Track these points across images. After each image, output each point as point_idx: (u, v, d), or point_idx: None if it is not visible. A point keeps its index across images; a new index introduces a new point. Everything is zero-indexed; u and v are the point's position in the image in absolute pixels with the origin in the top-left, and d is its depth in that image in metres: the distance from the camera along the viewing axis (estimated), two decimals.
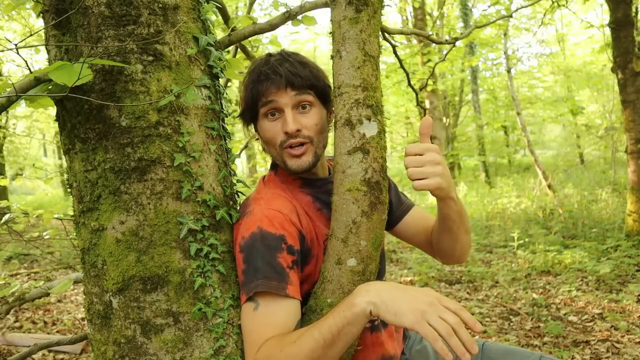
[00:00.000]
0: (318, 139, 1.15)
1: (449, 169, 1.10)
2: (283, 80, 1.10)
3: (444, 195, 1.05)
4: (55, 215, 2.02)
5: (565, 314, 3.25)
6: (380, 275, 1.22)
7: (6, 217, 1.85)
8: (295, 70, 1.11)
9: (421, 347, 1.32)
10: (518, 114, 7.86)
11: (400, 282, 4.38)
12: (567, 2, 4.61)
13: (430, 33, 2.49)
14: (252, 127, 1.23)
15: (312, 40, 19.50)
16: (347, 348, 1.03)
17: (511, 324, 3.19)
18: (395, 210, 1.34)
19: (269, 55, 1.18)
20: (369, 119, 1.03)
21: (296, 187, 1.18)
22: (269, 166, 1.27)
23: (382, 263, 1.24)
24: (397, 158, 14.13)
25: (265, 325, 0.97)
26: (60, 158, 17.14)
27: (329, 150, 1.25)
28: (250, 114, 1.18)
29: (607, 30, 4.91)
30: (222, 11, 1.72)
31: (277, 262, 1.01)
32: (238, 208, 1.19)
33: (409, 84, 2.39)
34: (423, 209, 1.36)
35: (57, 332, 3.54)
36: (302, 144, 1.12)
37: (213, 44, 1.15)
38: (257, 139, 1.25)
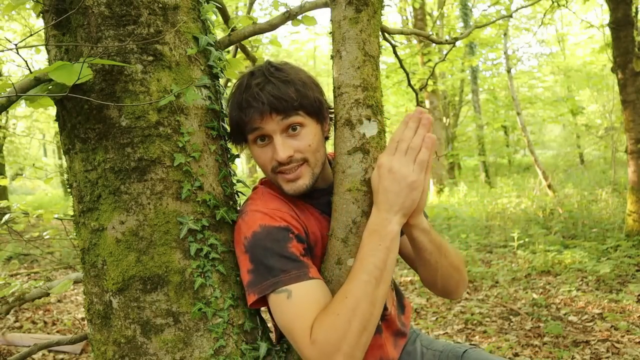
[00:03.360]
0: (314, 157, 1.10)
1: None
2: (267, 107, 1.03)
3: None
4: (55, 215, 2.02)
5: (565, 314, 3.25)
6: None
7: (6, 217, 1.85)
8: (278, 94, 1.04)
9: (412, 348, 1.30)
10: (518, 114, 7.87)
11: (400, 282, 4.38)
12: (567, 2, 4.61)
13: (430, 33, 2.49)
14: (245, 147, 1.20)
15: (312, 40, 19.50)
16: None
17: (511, 324, 3.19)
18: None
19: (251, 74, 1.10)
20: (369, 119, 1.03)
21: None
22: None
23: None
24: None
25: (309, 306, 0.94)
26: (60, 158, 17.14)
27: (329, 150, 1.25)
28: (239, 139, 1.14)
29: (607, 30, 4.91)
30: (222, 11, 1.72)
31: (290, 252, 0.99)
32: (238, 208, 1.18)
33: (409, 84, 2.39)
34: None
35: (57, 332, 3.54)
36: (295, 167, 1.08)
37: (213, 44, 1.15)
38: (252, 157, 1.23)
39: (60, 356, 3.07)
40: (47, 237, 2.11)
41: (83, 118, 1.03)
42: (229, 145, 1.20)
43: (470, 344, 1.50)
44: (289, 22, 1.49)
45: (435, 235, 1.07)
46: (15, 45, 0.87)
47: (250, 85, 1.07)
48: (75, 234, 1.13)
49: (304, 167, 1.09)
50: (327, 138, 1.19)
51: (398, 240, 0.95)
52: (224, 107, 1.18)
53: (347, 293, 0.91)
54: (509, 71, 8.26)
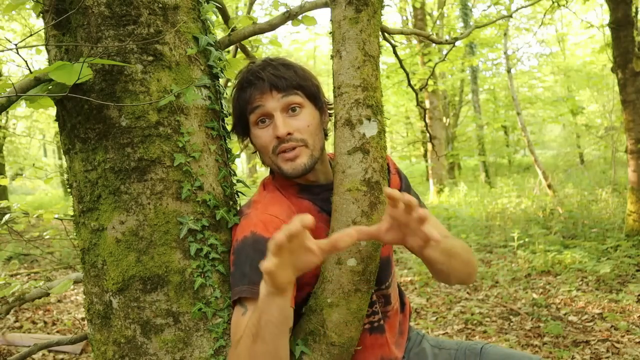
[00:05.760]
0: (313, 140, 1.11)
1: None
2: (266, 84, 1.07)
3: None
4: (55, 215, 2.02)
5: (565, 314, 3.25)
6: (385, 280, 1.21)
7: (6, 217, 1.85)
8: (278, 73, 1.09)
9: (419, 349, 1.31)
10: (518, 114, 7.87)
11: (400, 282, 4.38)
12: (567, 2, 4.61)
13: (430, 33, 2.49)
14: (247, 141, 1.21)
15: (312, 40, 19.51)
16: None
17: (511, 324, 3.19)
18: None
19: (252, 63, 1.16)
20: (369, 119, 1.03)
21: (294, 193, 1.16)
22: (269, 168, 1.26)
23: (390, 269, 1.23)
24: (396, 158, 14.13)
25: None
26: (60, 158, 17.14)
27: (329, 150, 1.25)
28: (241, 126, 1.15)
29: (607, 30, 4.91)
30: (222, 11, 1.72)
31: None
32: (238, 208, 1.18)
33: (409, 84, 2.38)
34: (432, 218, 1.24)
35: (57, 332, 3.54)
36: (294, 148, 1.09)
37: (213, 44, 1.15)
38: (254, 152, 1.23)
39: (60, 356, 3.07)
40: (47, 237, 2.11)
41: (83, 118, 1.03)
42: (230, 145, 1.20)
43: None
44: (289, 22, 1.49)
45: (444, 244, 1.03)
46: (15, 45, 0.87)
47: (251, 69, 1.12)
48: (75, 234, 1.13)
49: (303, 148, 1.10)
50: (326, 135, 1.19)
51: (267, 301, 0.87)
52: (224, 107, 1.19)
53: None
54: (509, 71, 8.26)
